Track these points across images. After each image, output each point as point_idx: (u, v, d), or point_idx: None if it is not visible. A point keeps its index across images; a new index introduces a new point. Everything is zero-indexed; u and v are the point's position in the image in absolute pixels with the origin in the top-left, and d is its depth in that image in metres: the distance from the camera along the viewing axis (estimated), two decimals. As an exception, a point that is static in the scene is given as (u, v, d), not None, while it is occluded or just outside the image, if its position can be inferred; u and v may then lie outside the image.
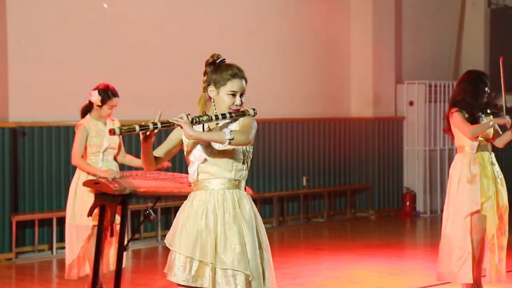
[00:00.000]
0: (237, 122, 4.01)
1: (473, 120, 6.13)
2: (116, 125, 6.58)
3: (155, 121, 3.84)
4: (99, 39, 9.45)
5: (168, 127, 3.86)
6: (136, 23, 9.79)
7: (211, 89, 4.01)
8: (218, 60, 4.03)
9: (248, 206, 4.00)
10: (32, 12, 8.96)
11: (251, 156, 4.06)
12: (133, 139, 9.57)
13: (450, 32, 13.22)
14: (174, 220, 4.07)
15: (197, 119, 3.86)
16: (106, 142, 6.46)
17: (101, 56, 9.44)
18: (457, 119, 6.12)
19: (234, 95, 3.98)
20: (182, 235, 3.97)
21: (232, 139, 3.81)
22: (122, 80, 9.30)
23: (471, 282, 6.15)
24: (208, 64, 4.04)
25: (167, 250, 9.85)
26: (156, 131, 3.87)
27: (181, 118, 3.81)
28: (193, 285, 3.93)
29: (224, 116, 3.94)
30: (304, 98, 11.55)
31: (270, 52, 11.13)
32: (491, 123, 6.11)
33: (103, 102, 6.42)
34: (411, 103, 12.26)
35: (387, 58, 12.15)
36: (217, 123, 4.03)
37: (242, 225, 3.95)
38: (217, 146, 3.96)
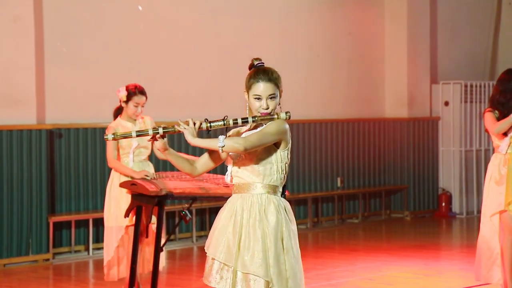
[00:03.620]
0: (264, 125, 3.99)
1: (503, 118, 6.10)
2: (147, 123, 6.61)
3: (158, 127, 3.87)
4: (134, 41, 9.52)
5: (173, 132, 3.87)
6: (170, 25, 9.84)
7: (245, 92, 4.04)
8: (257, 63, 4.04)
9: (275, 212, 3.95)
10: (68, 15, 9.05)
11: (287, 161, 4.00)
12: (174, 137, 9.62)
13: (486, 31, 13.11)
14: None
15: (209, 125, 3.88)
16: (135, 142, 6.48)
17: (136, 58, 9.51)
18: (486, 119, 6.14)
19: (259, 98, 3.97)
20: (213, 238, 4.01)
21: (223, 146, 3.82)
22: (156, 82, 9.36)
23: (500, 283, 6.12)
24: (249, 68, 4.06)
25: (202, 251, 9.85)
26: (158, 136, 3.88)
27: (186, 123, 3.84)
28: (217, 286, 3.95)
29: (245, 120, 3.94)
30: (338, 99, 11.53)
31: (303, 54, 11.13)
32: None
33: (128, 98, 6.44)
34: (446, 103, 12.18)
35: (422, 58, 12.08)
36: (238, 127, 4.05)
37: (266, 230, 3.92)
38: (224, 154, 3.98)
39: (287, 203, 4.05)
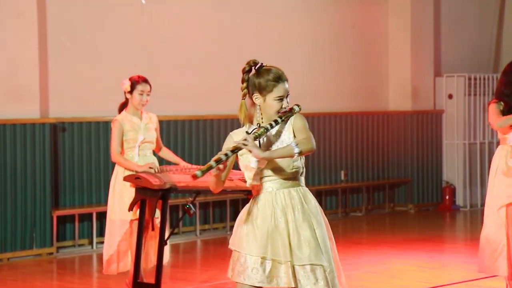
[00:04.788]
0: (288, 122, 4.02)
1: (509, 110, 6.08)
2: (153, 120, 6.59)
3: (226, 152, 3.81)
4: (138, 36, 9.51)
5: (237, 151, 3.87)
6: (174, 19, 9.83)
7: (257, 96, 4.00)
8: (257, 66, 4.01)
9: (314, 201, 4.06)
10: (71, 9, 9.04)
11: None
12: (170, 135, 9.63)
13: (490, 23, 13.08)
14: (237, 224, 4.08)
15: (257, 134, 3.89)
16: (141, 136, 6.47)
17: (139, 52, 9.50)
18: (490, 111, 6.11)
19: (281, 99, 3.99)
20: (251, 237, 3.97)
21: (301, 152, 3.89)
22: (160, 76, 9.35)
23: (506, 274, 6.10)
24: (245, 71, 4.01)
25: (206, 245, 9.82)
26: (227, 161, 3.87)
27: (245, 140, 3.82)
28: (268, 286, 3.94)
29: (277, 123, 3.96)
30: (342, 92, 11.52)
31: (307, 47, 11.11)
32: None
33: (132, 87, 6.43)
34: (450, 96, 12.16)
35: (425, 51, 12.06)
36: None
37: (311, 220, 3.99)
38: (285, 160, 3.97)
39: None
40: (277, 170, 4.00)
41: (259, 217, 3.98)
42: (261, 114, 4.01)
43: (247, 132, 3.94)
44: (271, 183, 4.01)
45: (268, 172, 4.00)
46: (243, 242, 3.98)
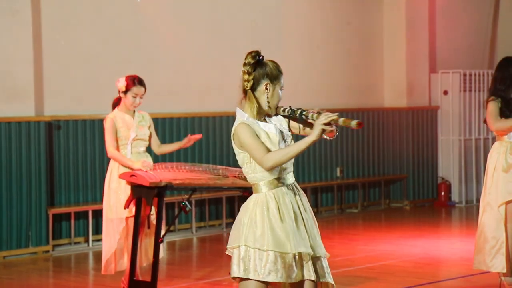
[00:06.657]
0: (281, 118, 4.11)
1: (506, 106, 6.07)
2: (146, 119, 6.58)
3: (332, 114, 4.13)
4: (132, 34, 9.50)
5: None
6: (168, 17, 9.82)
7: (267, 84, 3.98)
8: (261, 57, 4.01)
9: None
10: (66, 7, 9.03)
11: None
12: (166, 131, 9.63)
13: (485, 20, 13.08)
14: (250, 219, 3.96)
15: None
16: (133, 133, 6.46)
17: (134, 50, 9.49)
18: (489, 109, 6.09)
19: (281, 90, 4.06)
20: (282, 234, 3.92)
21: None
22: (155, 74, 9.35)
23: (504, 271, 6.11)
24: (251, 63, 3.98)
25: (202, 242, 9.79)
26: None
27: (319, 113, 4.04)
28: (294, 281, 3.93)
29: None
30: (337, 89, 11.52)
31: (302, 44, 11.11)
32: None
33: (127, 88, 6.42)
34: (445, 93, 12.17)
35: (420, 48, 12.06)
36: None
37: (311, 213, 4.09)
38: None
39: None
40: (290, 164, 4.05)
41: (283, 212, 3.95)
42: (268, 103, 4.01)
43: (292, 110, 4.06)
44: (286, 178, 4.03)
45: (286, 164, 4.02)
46: (271, 240, 3.89)
